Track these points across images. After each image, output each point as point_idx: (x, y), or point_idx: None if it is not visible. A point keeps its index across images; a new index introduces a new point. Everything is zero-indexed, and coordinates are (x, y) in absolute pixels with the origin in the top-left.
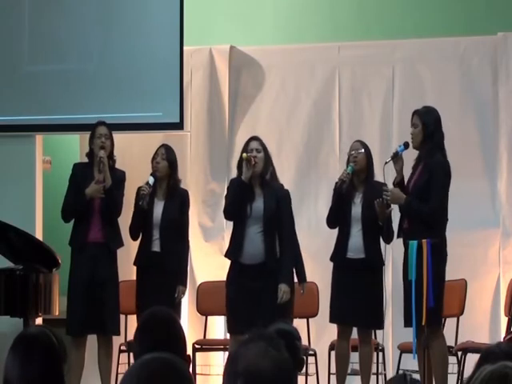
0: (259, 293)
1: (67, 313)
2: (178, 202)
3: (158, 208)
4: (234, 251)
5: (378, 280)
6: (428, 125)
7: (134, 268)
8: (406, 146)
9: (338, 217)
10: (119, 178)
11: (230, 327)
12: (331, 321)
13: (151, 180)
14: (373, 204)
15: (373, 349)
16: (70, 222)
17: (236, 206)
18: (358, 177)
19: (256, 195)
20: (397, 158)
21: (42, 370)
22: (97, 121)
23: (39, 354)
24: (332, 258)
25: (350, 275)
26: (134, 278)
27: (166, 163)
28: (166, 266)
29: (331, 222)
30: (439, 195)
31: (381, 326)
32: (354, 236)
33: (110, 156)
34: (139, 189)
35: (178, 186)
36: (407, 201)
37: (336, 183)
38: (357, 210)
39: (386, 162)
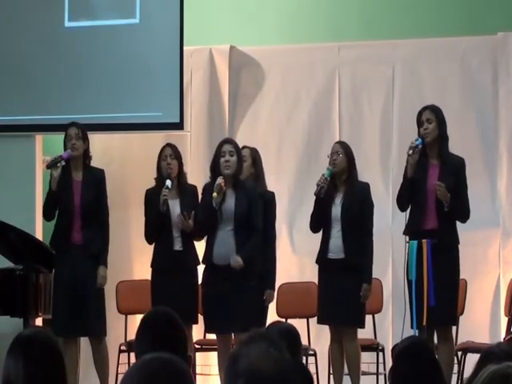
0: (232, 292)
1: (52, 315)
2: (192, 198)
3: (175, 207)
4: (205, 255)
5: (358, 279)
6: (443, 123)
7: (134, 268)
8: (423, 140)
9: (319, 222)
10: (97, 179)
11: (206, 326)
12: (318, 322)
13: (169, 183)
14: (352, 205)
15: (359, 346)
16: (50, 220)
17: (204, 228)
18: (339, 178)
19: (227, 196)
20: (416, 151)
21: (46, 368)
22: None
23: (40, 352)
24: (317, 260)
25: (332, 275)
26: (134, 278)
27: (176, 162)
28: (187, 264)
29: (313, 226)
30: (467, 192)
31: (362, 323)
32: (334, 237)
33: (86, 154)
34: (148, 192)
35: (186, 182)
36: (452, 201)
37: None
38: (337, 210)
39: (409, 155)
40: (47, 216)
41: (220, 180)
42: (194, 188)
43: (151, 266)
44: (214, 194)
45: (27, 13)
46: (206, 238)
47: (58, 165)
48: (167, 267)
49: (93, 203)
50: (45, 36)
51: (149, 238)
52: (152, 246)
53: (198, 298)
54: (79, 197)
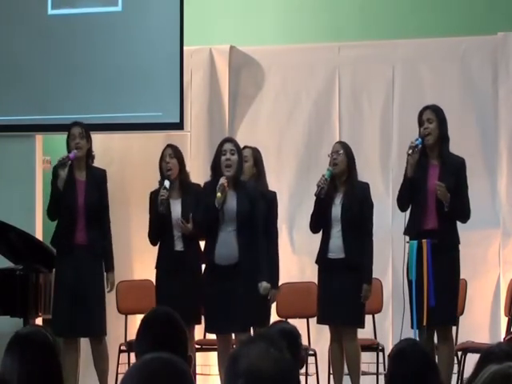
0: (232, 292)
1: (52, 314)
2: (194, 198)
3: (176, 207)
4: (207, 254)
5: (359, 279)
6: (444, 122)
7: (134, 268)
8: (423, 140)
9: (319, 222)
10: (100, 179)
11: (206, 326)
12: (318, 322)
13: (167, 184)
14: (352, 205)
15: (359, 346)
16: (55, 220)
17: (204, 229)
18: (339, 178)
19: (228, 196)
20: (416, 151)
21: (42, 367)
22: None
23: (37, 351)
24: (316, 261)
25: (332, 275)
26: (134, 277)
27: (176, 161)
28: (189, 265)
29: (313, 226)
30: (467, 193)
31: (361, 324)
32: (334, 236)
33: (89, 153)
34: (152, 194)
35: (189, 182)
36: (451, 201)
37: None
38: (337, 210)
39: (409, 154)
40: (53, 216)
41: (223, 180)
42: (198, 187)
43: (155, 267)
44: (219, 195)
45: (22, 9)
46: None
47: (66, 164)
48: (169, 267)
49: (96, 203)
50: (39, 33)
51: (151, 239)
52: (152, 247)
53: (201, 298)
54: (83, 197)
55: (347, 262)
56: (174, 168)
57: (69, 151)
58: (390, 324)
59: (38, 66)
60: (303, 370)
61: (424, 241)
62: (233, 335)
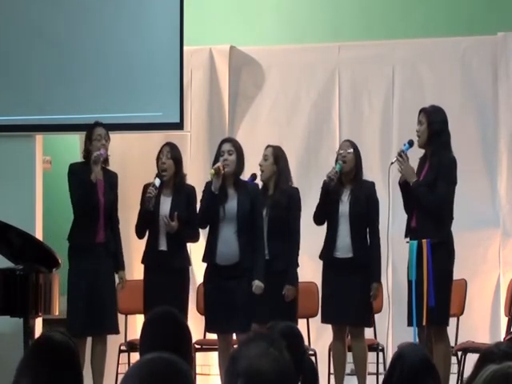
0: (234, 292)
1: (68, 314)
2: (185, 198)
3: (165, 206)
4: (208, 254)
5: (366, 278)
6: (434, 123)
7: (134, 268)
8: (411, 144)
9: (324, 213)
10: (113, 181)
11: (207, 326)
12: (323, 321)
13: (157, 182)
14: (360, 202)
15: (366, 346)
16: (86, 210)
17: (207, 217)
18: (346, 176)
19: (229, 196)
20: (404, 157)
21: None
22: (94, 121)
23: (52, 366)
24: (321, 256)
25: (339, 274)
26: (134, 277)
27: (172, 161)
28: (172, 265)
29: (318, 218)
30: (445, 187)
31: (369, 323)
32: (341, 235)
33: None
34: (145, 187)
35: (183, 183)
36: (417, 182)
37: (324, 180)
38: (344, 207)
39: (392, 163)
40: (87, 207)
41: (219, 163)
42: (192, 189)
43: (142, 262)
44: (212, 171)
45: (22, 10)
46: (206, 236)
47: (99, 161)
48: (153, 266)
49: (113, 203)
50: (39, 33)
51: (136, 233)
52: None
53: (186, 299)
54: (103, 196)
55: (355, 261)
56: (169, 169)
57: (90, 150)
58: (390, 324)
59: (38, 66)
60: None
61: (424, 240)
62: (234, 335)
